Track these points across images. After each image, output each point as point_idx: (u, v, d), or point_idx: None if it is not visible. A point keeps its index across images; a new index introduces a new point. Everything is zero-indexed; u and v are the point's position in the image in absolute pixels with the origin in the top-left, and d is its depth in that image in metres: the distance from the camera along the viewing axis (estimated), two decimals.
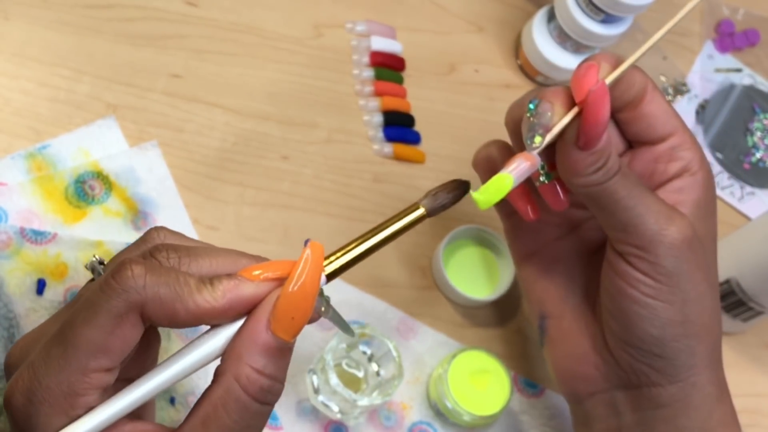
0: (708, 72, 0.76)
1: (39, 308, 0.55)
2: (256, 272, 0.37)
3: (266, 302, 0.37)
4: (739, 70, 0.77)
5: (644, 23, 0.75)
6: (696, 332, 0.46)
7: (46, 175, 0.59)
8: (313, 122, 0.66)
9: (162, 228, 0.40)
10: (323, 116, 0.66)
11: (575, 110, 0.43)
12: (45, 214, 0.58)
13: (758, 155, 0.74)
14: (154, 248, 0.38)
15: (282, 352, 0.37)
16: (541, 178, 0.46)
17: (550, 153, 0.46)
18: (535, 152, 0.43)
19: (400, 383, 0.56)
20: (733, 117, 0.75)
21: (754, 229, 0.63)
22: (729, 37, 0.78)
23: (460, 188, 0.43)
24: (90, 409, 0.36)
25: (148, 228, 0.58)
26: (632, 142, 0.48)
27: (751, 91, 0.76)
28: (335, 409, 0.56)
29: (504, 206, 0.53)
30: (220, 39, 0.67)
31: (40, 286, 0.56)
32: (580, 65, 0.44)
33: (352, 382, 0.57)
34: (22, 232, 0.57)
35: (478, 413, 0.57)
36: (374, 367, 0.58)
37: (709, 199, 0.47)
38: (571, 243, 0.52)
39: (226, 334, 0.37)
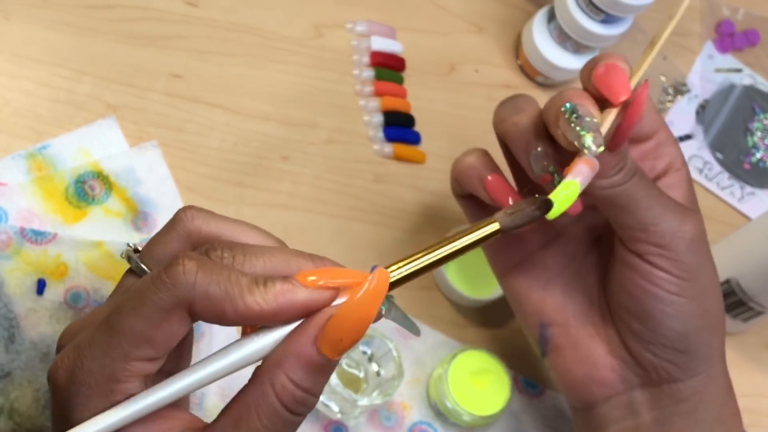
0: (708, 72, 0.76)
1: (39, 308, 0.55)
2: (312, 278, 0.36)
3: (319, 317, 0.36)
4: (739, 70, 0.77)
5: (644, 23, 0.75)
6: (713, 323, 0.47)
7: (46, 175, 0.59)
8: (313, 122, 0.66)
9: (190, 207, 0.40)
10: (323, 116, 0.66)
11: (615, 111, 0.43)
12: (45, 214, 0.58)
13: (758, 155, 0.74)
14: (210, 247, 0.37)
15: (323, 368, 0.36)
16: (555, 181, 0.46)
17: (556, 154, 0.45)
18: (594, 157, 0.42)
19: (400, 383, 0.56)
20: (733, 117, 0.75)
21: (754, 229, 0.63)
22: (729, 37, 0.78)
23: (542, 208, 0.41)
24: (130, 396, 0.36)
25: (148, 228, 0.59)
26: None
27: (751, 91, 0.76)
28: (335, 409, 0.56)
29: (479, 217, 0.52)
30: (220, 39, 0.67)
31: (41, 286, 0.56)
32: (597, 65, 0.43)
33: (352, 382, 0.58)
34: (22, 232, 0.57)
35: (478, 413, 0.57)
36: (374, 367, 0.58)
37: (692, 195, 0.49)
38: (559, 249, 0.52)
39: (274, 337, 0.36)
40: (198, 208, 0.40)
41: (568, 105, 0.42)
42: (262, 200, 0.63)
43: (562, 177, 0.44)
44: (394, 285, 0.38)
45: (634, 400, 0.49)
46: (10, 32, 0.63)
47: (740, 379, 0.66)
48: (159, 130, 0.63)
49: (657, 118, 0.48)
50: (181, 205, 0.60)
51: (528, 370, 0.62)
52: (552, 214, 0.41)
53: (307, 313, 0.36)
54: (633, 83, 0.44)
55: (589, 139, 0.41)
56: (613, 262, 0.48)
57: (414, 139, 0.67)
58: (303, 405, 0.37)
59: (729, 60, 0.77)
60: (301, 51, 0.68)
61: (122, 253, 0.40)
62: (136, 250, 0.40)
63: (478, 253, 0.64)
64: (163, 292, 0.35)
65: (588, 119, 0.42)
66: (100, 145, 0.61)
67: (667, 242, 0.45)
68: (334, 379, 0.54)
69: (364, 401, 0.55)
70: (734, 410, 0.49)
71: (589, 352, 0.50)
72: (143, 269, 0.39)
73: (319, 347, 0.36)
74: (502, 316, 0.64)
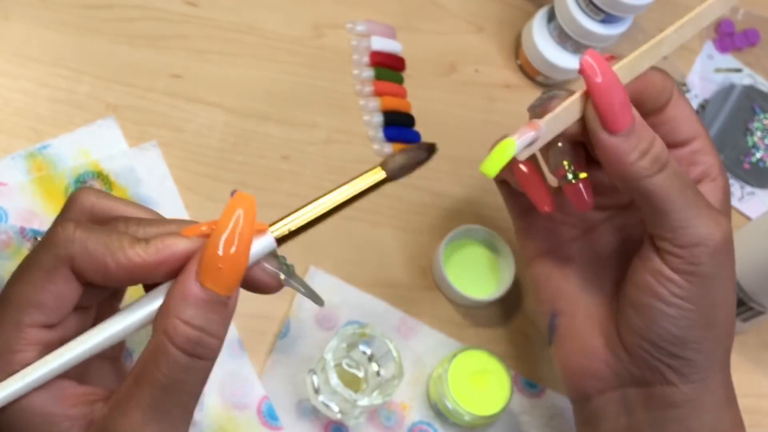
0: (708, 72, 0.76)
1: None
2: (193, 231, 0.37)
3: (195, 255, 0.37)
4: (739, 70, 0.77)
5: (644, 23, 0.75)
6: (717, 336, 0.46)
7: (46, 175, 0.59)
8: (313, 122, 0.66)
9: (84, 188, 0.40)
10: (323, 116, 0.66)
11: (580, 91, 0.43)
12: (45, 214, 0.58)
13: (758, 155, 0.74)
14: (110, 221, 0.38)
15: (213, 304, 0.36)
16: (568, 176, 0.46)
17: (576, 152, 0.46)
18: (542, 122, 0.43)
19: (400, 383, 0.56)
20: (733, 117, 0.75)
21: (754, 229, 0.63)
22: (729, 37, 0.78)
23: (424, 149, 0.41)
24: (27, 366, 0.36)
25: None
26: None
27: (751, 91, 0.76)
28: (335, 409, 0.56)
29: (517, 205, 0.53)
30: (220, 39, 0.67)
31: None
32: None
33: (352, 382, 0.57)
34: (23, 232, 0.57)
35: (479, 413, 0.57)
36: (374, 367, 0.58)
37: (728, 205, 0.48)
38: (587, 243, 0.52)
39: (162, 291, 0.37)
40: (92, 188, 0.40)
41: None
42: (261, 200, 0.62)
43: (575, 172, 0.46)
44: (284, 240, 0.38)
45: (628, 397, 0.49)
46: (9, 32, 0.63)
47: (740, 379, 0.65)
48: (159, 130, 0.63)
49: (696, 126, 0.47)
50: (181, 205, 0.60)
51: (528, 370, 0.62)
52: (489, 172, 0.41)
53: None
54: (625, 77, 0.44)
55: (535, 102, 0.44)
56: (636, 254, 0.48)
57: (414, 139, 0.67)
58: (199, 345, 0.36)
59: (729, 60, 0.77)
60: (301, 51, 0.68)
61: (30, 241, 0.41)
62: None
63: (478, 253, 0.64)
64: (42, 253, 0.36)
65: (553, 94, 0.44)
66: (100, 145, 0.61)
67: (692, 248, 0.44)
68: (334, 379, 0.54)
69: (364, 401, 0.55)
70: (734, 423, 0.48)
71: (587, 343, 0.50)
72: None
73: (201, 281, 0.36)
74: (502, 316, 0.64)
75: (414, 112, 0.68)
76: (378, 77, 0.68)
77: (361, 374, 0.58)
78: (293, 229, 0.39)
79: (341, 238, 0.63)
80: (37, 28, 0.63)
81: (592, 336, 0.50)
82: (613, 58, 0.45)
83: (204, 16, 0.67)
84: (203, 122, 0.64)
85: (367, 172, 0.40)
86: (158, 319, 0.37)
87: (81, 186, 0.41)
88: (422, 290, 0.63)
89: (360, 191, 0.39)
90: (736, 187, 0.73)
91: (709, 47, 0.78)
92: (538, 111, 0.45)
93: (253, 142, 0.64)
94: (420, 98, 0.69)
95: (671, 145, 0.47)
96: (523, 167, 0.47)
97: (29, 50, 0.63)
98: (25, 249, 0.56)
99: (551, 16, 0.70)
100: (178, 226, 0.39)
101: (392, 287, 0.62)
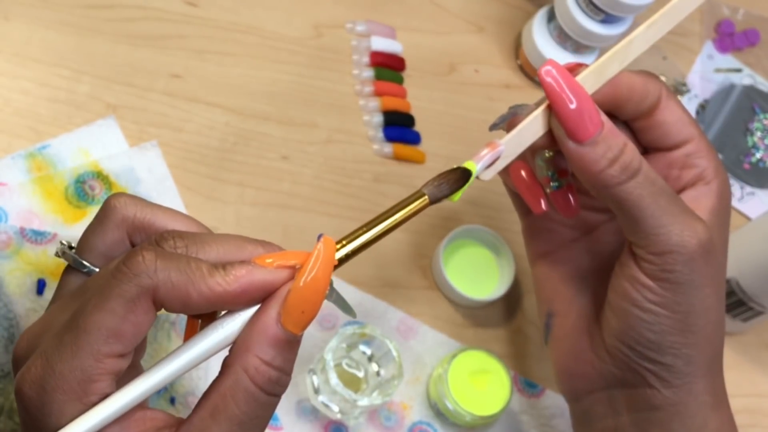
0: (708, 72, 0.76)
1: (39, 308, 0.55)
2: (269, 260, 0.37)
3: (277, 295, 0.37)
4: (739, 70, 0.77)
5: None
6: (696, 342, 0.45)
7: (46, 175, 0.59)
8: (313, 122, 0.66)
9: (121, 195, 0.40)
10: (323, 116, 0.66)
11: (544, 104, 0.43)
12: (45, 214, 0.58)
13: (758, 155, 0.74)
14: (160, 237, 0.38)
15: (290, 344, 0.37)
16: (552, 184, 0.46)
17: (559, 159, 0.46)
18: (502, 141, 0.43)
19: (400, 383, 0.56)
20: (733, 117, 0.75)
21: (754, 229, 0.63)
22: (729, 37, 0.78)
23: (462, 177, 0.42)
24: (104, 395, 0.36)
25: None
26: (647, 149, 0.48)
27: (751, 91, 0.76)
28: (335, 409, 0.56)
29: (522, 205, 0.53)
30: (220, 39, 0.67)
31: (40, 286, 0.56)
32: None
33: (352, 382, 0.57)
34: (22, 232, 0.57)
35: (478, 413, 0.57)
36: (374, 367, 0.58)
37: (722, 209, 0.47)
38: (586, 245, 0.52)
39: (241, 318, 0.37)
40: (129, 195, 0.40)
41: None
42: (262, 200, 0.63)
43: (560, 179, 0.46)
44: (340, 262, 0.39)
45: (614, 398, 0.49)
46: (10, 32, 0.63)
47: (740, 379, 0.66)
48: (159, 130, 0.63)
49: (689, 129, 0.46)
50: (181, 205, 0.60)
51: (528, 370, 0.62)
52: (450, 197, 0.42)
53: (268, 293, 0.37)
54: (595, 82, 0.43)
55: (497, 120, 0.44)
56: (618, 259, 0.48)
57: (414, 139, 0.67)
58: (278, 384, 0.37)
59: (729, 60, 0.77)
60: (301, 51, 0.68)
61: (56, 252, 0.40)
62: (70, 247, 0.40)
63: (478, 253, 0.64)
64: (126, 283, 0.35)
65: (519, 108, 0.44)
66: (99, 145, 0.61)
67: (666, 254, 0.43)
68: (334, 379, 0.54)
69: (364, 401, 0.55)
70: (720, 428, 0.47)
71: (575, 344, 0.50)
72: (84, 264, 0.39)
73: (283, 323, 0.37)
74: (502, 316, 0.64)
75: (414, 112, 0.68)
76: (378, 77, 0.68)
77: (361, 374, 0.58)
78: (345, 254, 0.40)
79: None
80: (38, 28, 0.63)
81: (581, 337, 0.50)
82: (579, 66, 0.44)
83: (204, 16, 0.67)
84: (203, 122, 0.64)
85: (412, 199, 0.42)
86: (237, 354, 0.37)
87: (114, 193, 0.40)
88: (422, 290, 0.63)
89: (406, 216, 0.41)
90: (736, 187, 0.73)
91: (709, 47, 0.78)
92: (501, 128, 0.44)
93: (253, 142, 0.64)
94: (420, 98, 0.69)
95: (663, 148, 0.47)
96: (523, 173, 0.48)
97: (29, 50, 0.63)
98: (25, 249, 0.56)
99: (551, 16, 0.70)
100: (238, 246, 0.38)
101: (392, 287, 0.62)
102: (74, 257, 0.39)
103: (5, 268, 0.56)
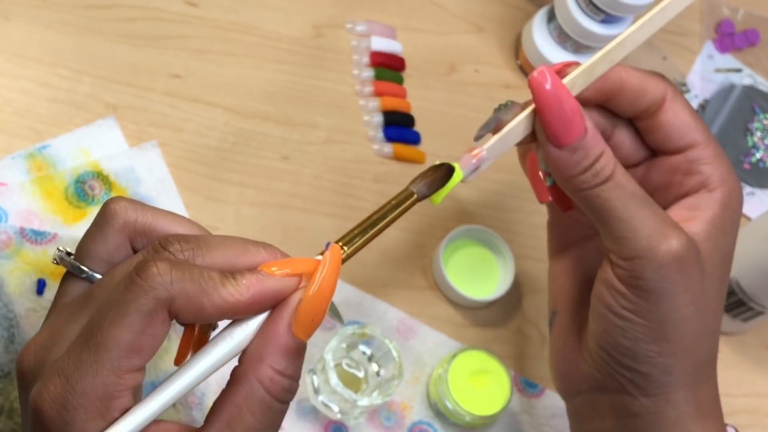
0: (708, 72, 0.76)
1: (39, 308, 0.55)
2: (275, 269, 0.38)
3: (287, 304, 0.37)
4: (739, 70, 0.77)
5: None
6: (673, 352, 0.44)
7: (46, 175, 0.59)
8: (313, 122, 0.66)
9: (121, 199, 0.40)
10: (323, 116, 0.66)
11: (531, 107, 0.43)
12: (45, 214, 0.58)
13: (758, 155, 0.74)
14: (165, 241, 0.37)
15: (300, 352, 0.38)
16: (548, 179, 0.46)
17: None
18: (484, 147, 0.44)
19: (400, 383, 0.56)
20: (733, 117, 0.75)
21: (754, 229, 0.63)
22: (729, 37, 0.78)
23: (448, 174, 0.44)
24: (125, 410, 0.36)
25: None
26: (654, 151, 0.47)
27: (751, 91, 0.76)
28: (335, 409, 0.56)
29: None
30: (220, 39, 0.67)
31: (40, 286, 0.56)
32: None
33: (352, 382, 0.57)
34: (22, 232, 0.57)
35: (478, 413, 0.57)
36: (374, 367, 0.58)
37: (726, 218, 0.45)
38: (594, 245, 0.51)
39: (251, 327, 0.37)
40: (128, 199, 0.40)
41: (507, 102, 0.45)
42: (261, 200, 0.63)
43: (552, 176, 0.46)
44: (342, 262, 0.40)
45: (598, 402, 0.48)
46: (10, 32, 0.63)
47: (741, 380, 0.66)
48: (159, 130, 0.63)
49: (695, 134, 0.45)
50: (180, 205, 0.60)
51: (528, 370, 0.62)
52: (433, 199, 0.43)
53: (277, 301, 0.37)
54: (584, 83, 0.43)
55: (481, 127, 0.45)
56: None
57: (414, 139, 0.67)
58: (289, 392, 0.38)
59: (729, 60, 0.77)
60: (300, 51, 0.68)
61: (54, 258, 0.40)
62: (68, 254, 0.40)
63: (478, 253, 0.64)
64: (143, 296, 0.35)
65: (503, 112, 0.44)
66: (99, 145, 0.61)
67: (634, 260, 0.43)
68: (334, 379, 0.54)
69: (364, 401, 0.55)
70: None
71: (567, 345, 0.50)
72: (84, 270, 0.39)
73: (294, 332, 0.37)
74: (502, 316, 0.64)
75: (414, 112, 0.68)
76: (378, 77, 0.68)
77: (361, 374, 0.58)
78: (349, 252, 0.40)
79: None
80: (38, 28, 0.63)
81: (571, 338, 0.50)
82: (570, 65, 0.44)
83: (204, 16, 0.67)
84: (203, 122, 0.64)
85: (401, 197, 0.42)
86: (250, 364, 0.37)
87: (113, 197, 0.40)
88: (422, 290, 0.63)
89: (400, 212, 0.42)
90: None
91: (709, 47, 0.78)
92: (492, 125, 0.44)
93: (253, 142, 0.64)
94: (420, 98, 0.69)
95: (666, 151, 0.46)
96: (530, 156, 0.48)
97: (29, 50, 0.63)
98: (25, 249, 0.56)
99: (551, 16, 0.70)
100: (243, 249, 0.38)
101: (392, 287, 0.62)
102: (72, 263, 0.39)
103: (5, 268, 0.56)
